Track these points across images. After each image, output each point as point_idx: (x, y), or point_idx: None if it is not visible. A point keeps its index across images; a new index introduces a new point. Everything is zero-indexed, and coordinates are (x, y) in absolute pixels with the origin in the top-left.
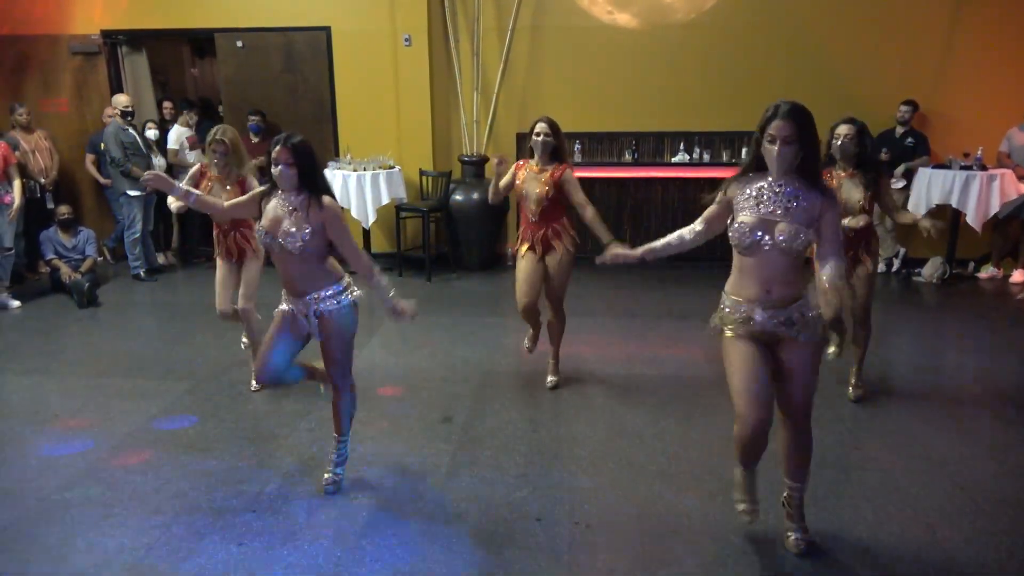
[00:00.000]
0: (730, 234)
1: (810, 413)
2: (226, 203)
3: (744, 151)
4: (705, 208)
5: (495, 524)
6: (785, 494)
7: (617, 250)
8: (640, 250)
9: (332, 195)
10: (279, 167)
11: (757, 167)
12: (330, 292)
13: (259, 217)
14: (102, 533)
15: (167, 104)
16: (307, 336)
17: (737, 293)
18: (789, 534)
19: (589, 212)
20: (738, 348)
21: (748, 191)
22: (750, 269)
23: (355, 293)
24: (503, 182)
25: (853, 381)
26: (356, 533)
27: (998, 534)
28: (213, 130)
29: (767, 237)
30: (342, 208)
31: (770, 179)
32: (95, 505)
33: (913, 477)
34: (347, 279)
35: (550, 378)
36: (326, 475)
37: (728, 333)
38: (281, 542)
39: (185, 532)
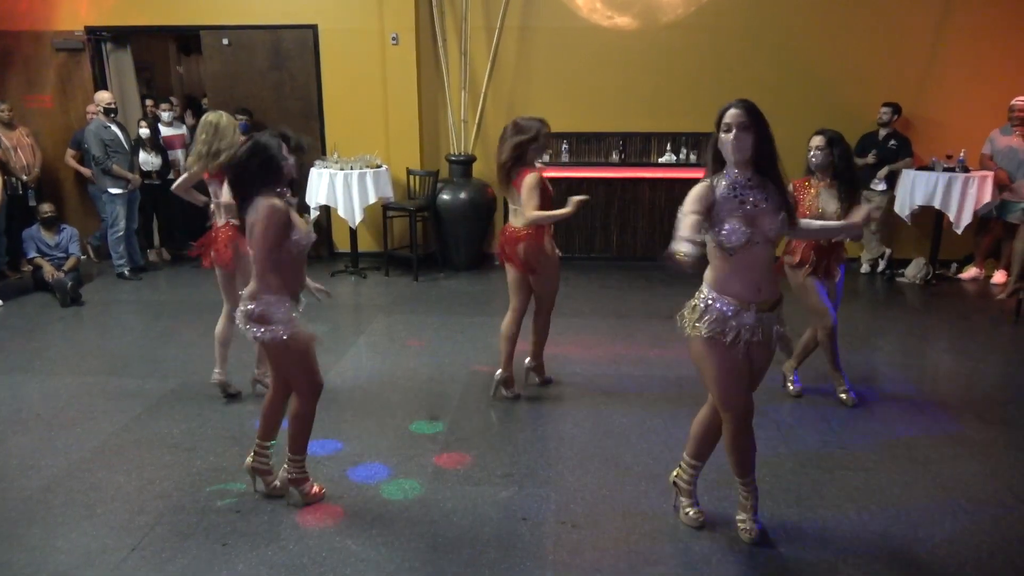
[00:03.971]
0: (720, 239)
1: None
2: None
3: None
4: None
5: (481, 524)
6: (742, 490)
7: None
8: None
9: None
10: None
11: (716, 169)
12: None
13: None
14: (85, 534)
15: (150, 102)
16: None
17: (727, 293)
18: (743, 524)
19: (525, 217)
20: (726, 357)
21: (731, 193)
22: (738, 269)
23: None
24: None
25: (791, 377)
26: (341, 533)
27: (979, 534)
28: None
29: (757, 231)
30: (282, 211)
31: (736, 173)
32: (78, 506)
33: (896, 477)
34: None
35: (538, 379)
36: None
37: (703, 334)
38: (266, 542)
39: (169, 532)
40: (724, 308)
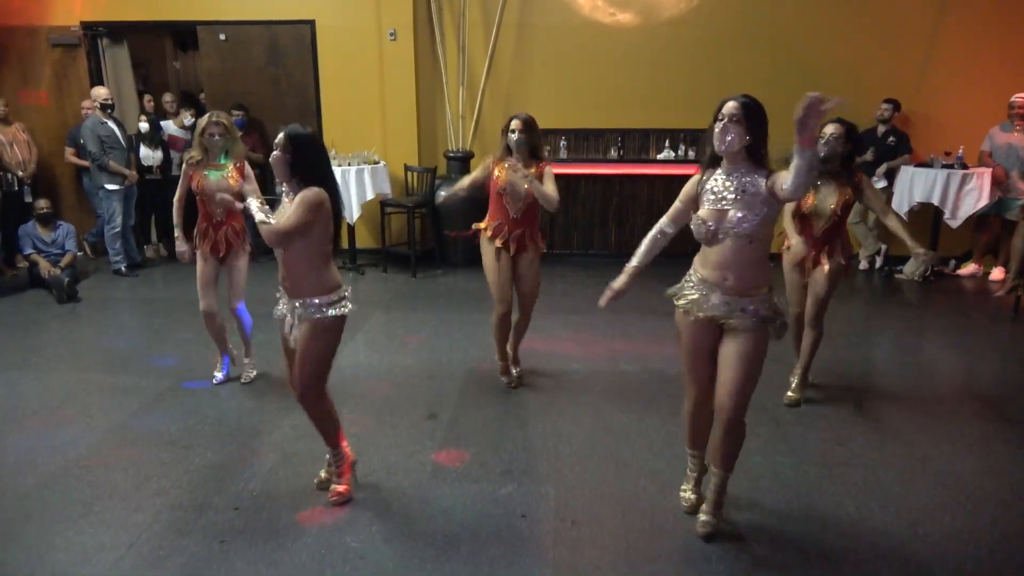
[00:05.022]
0: (692, 227)
1: (744, 406)
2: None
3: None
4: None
5: (480, 521)
6: (712, 480)
7: (614, 286)
8: (629, 272)
9: (329, 190)
10: (275, 151)
11: (712, 162)
12: (316, 301)
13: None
14: (82, 532)
15: (147, 97)
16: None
17: (702, 269)
18: (702, 516)
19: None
20: (689, 333)
21: (708, 186)
22: (710, 257)
23: (343, 309)
24: (469, 180)
25: (794, 384)
26: (340, 530)
27: (978, 530)
28: (207, 115)
29: (720, 226)
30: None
31: (722, 171)
32: (75, 503)
33: (895, 474)
34: (340, 292)
35: (514, 371)
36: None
37: (679, 306)
38: (264, 540)
39: (167, 530)
40: (698, 283)
